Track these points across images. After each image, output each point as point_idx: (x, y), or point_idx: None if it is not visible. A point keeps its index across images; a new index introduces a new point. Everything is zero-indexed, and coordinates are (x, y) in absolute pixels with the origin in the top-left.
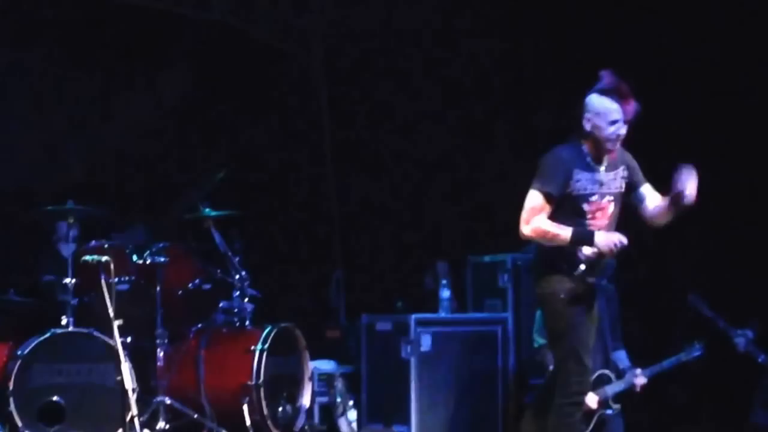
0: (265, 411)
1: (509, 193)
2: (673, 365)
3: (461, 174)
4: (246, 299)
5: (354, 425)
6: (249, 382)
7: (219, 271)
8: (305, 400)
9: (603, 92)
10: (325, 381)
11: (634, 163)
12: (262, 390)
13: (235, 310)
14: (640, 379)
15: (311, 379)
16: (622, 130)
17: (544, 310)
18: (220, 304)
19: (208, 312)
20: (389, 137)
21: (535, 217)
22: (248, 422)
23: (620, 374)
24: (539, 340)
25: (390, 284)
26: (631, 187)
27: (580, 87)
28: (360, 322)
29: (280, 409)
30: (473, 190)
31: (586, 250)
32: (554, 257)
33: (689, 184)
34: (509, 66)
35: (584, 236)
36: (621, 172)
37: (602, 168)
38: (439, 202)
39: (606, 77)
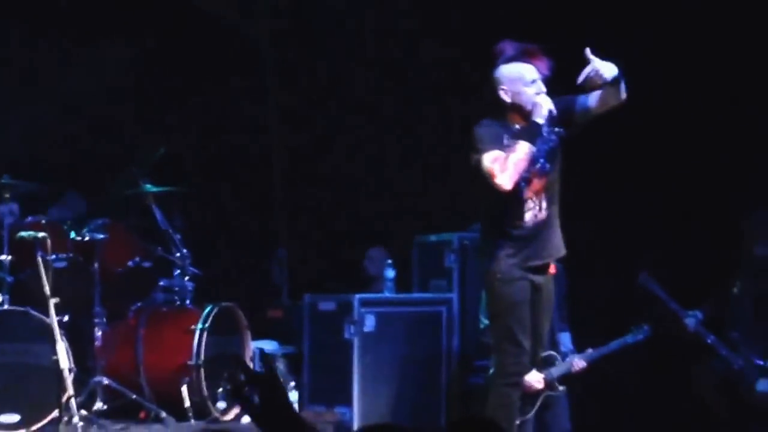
0: (205, 392)
1: (456, 172)
2: (619, 347)
3: (409, 150)
4: (187, 278)
5: (295, 406)
6: (189, 362)
7: (159, 248)
8: None
9: (510, 59)
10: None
11: (555, 103)
12: (202, 370)
13: (176, 288)
14: (579, 363)
15: (252, 359)
16: (542, 87)
17: (486, 289)
18: (160, 283)
19: (148, 290)
20: (338, 114)
21: (497, 165)
22: (187, 403)
23: (564, 356)
24: (485, 321)
25: (334, 263)
26: (569, 116)
27: None
28: (303, 301)
29: (221, 389)
30: (421, 167)
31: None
32: (496, 236)
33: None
34: (458, 40)
35: (532, 130)
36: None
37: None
38: (387, 179)
39: (506, 47)
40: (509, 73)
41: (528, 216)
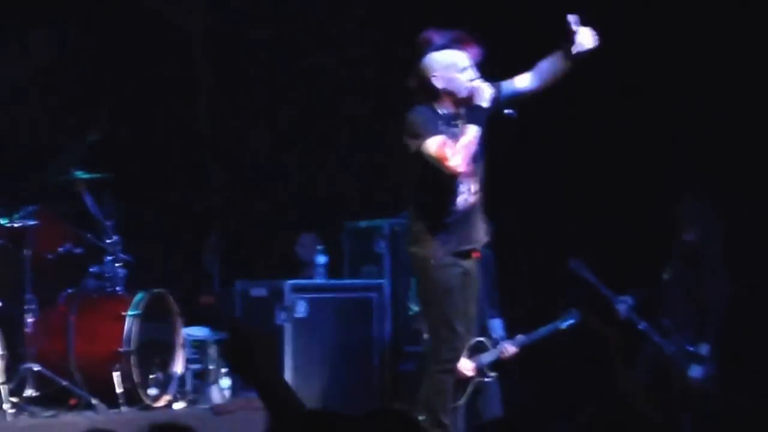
0: (137, 379)
1: (388, 159)
2: (548, 333)
3: (341, 137)
4: (118, 264)
5: (227, 393)
6: (120, 349)
7: (91, 235)
8: (177, 368)
9: (442, 47)
10: (198, 348)
11: None
12: (133, 357)
13: (107, 275)
14: (510, 348)
15: (184, 345)
16: (475, 73)
17: (418, 276)
18: (92, 269)
19: (79, 277)
20: (269, 103)
21: (447, 149)
22: (119, 390)
23: (495, 343)
24: (414, 308)
25: (265, 250)
26: (495, 103)
27: None
28: (234, 287)
29: (152, 376)
30: (353, 153)
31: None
32: (429, 222)
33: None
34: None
35: (477, 114)
36: None
37: (459, 122)
38: (317, 166)
39: (435, 36)
40: (442, 59)
41: (459, 200)
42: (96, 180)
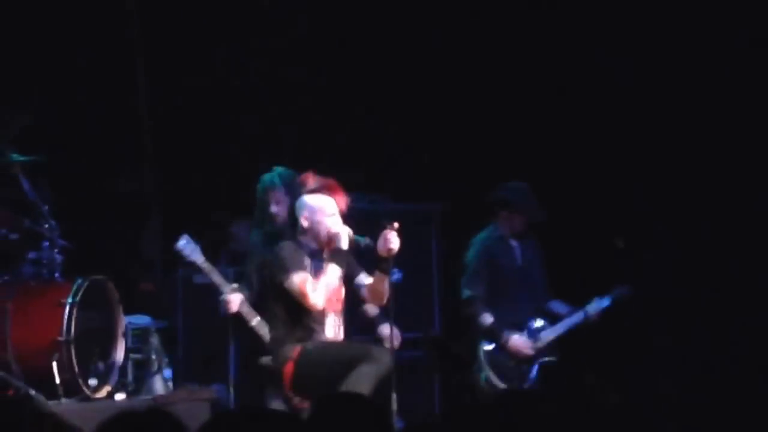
0: (76, 368)
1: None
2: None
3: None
4: (56, 250)
5: (170, 383)
6: (59, 338)
7: (27, 220)
8: (118, 357)
9: (313, 191)
10: (139, 336)
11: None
12: (72, 346)
13: (45, 261)
14: (594, 312)
15: (125, 334)
16: (339, 219)
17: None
18: (29, 255)
19: (16, 263)
20: (210, 87)
21: (309, 286)
22: (58, 380)
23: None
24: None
25: (209, 239)
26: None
27: None
28: (176, 274)
29: (92, 366)
30: (295, 142)
31: None
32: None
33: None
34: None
35: (339, 255)
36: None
37: (324, 257)
38: (253, 153)
39: (309, 179)
40: (311, 203)
41: (330, 332)
42: (32, 163)
